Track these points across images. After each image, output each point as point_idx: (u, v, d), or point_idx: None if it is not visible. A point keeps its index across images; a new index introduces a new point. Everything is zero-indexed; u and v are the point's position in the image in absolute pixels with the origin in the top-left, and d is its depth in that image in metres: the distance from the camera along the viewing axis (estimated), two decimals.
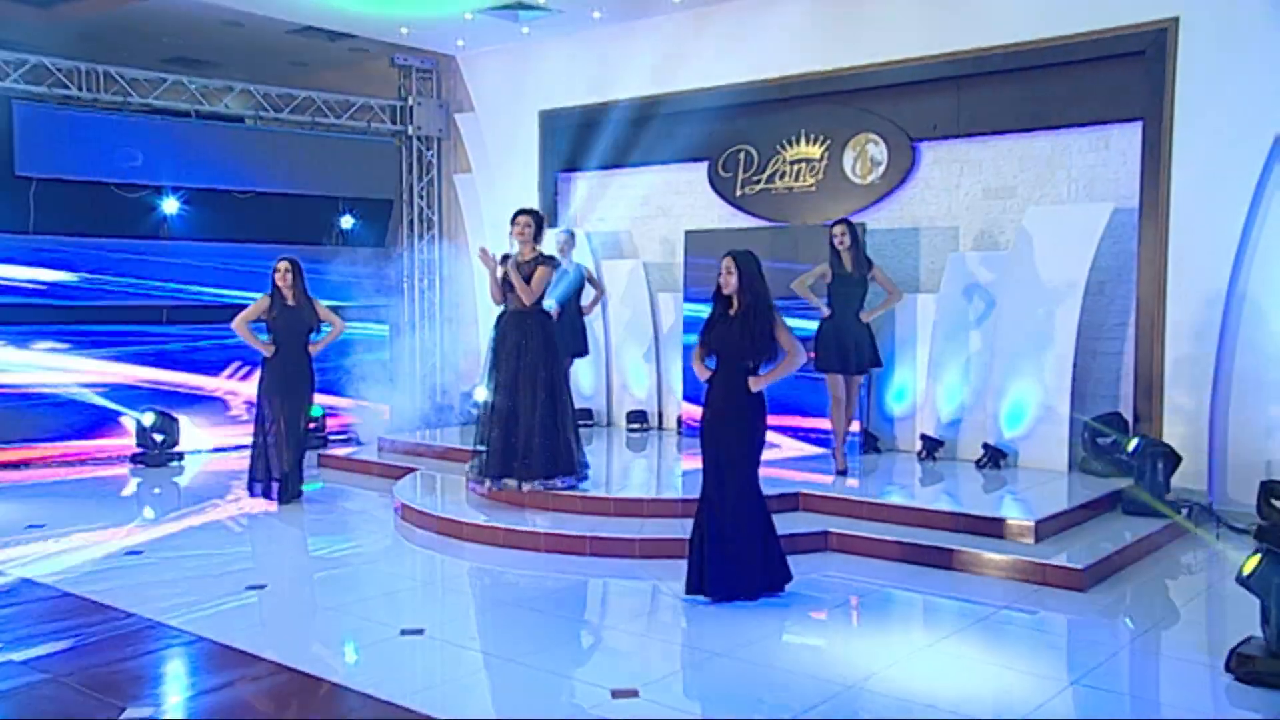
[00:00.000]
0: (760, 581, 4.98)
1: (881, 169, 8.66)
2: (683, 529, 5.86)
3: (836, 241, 7.28)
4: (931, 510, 6.27)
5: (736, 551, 4.89)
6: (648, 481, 7.76)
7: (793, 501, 6.56)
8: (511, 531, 6.25)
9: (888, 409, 8.36)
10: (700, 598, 5.03)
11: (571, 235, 9.14)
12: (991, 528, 6.00)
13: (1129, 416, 7.46)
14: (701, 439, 5.09)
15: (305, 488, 7.67)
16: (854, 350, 7.23)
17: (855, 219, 8.29)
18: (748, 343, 4.85)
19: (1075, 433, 7.43)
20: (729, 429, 4.95)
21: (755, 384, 4.89)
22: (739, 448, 4.91)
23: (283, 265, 7.29)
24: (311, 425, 8.29)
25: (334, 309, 7.81)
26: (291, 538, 6.81)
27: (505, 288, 6.65)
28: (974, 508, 6.31)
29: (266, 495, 7.46)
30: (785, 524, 5.86)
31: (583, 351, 8.87)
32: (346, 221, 11.07)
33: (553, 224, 9.58)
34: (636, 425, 9.66)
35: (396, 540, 6.69)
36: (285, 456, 7.34)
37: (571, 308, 8.64)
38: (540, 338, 6.66)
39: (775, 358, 4.94)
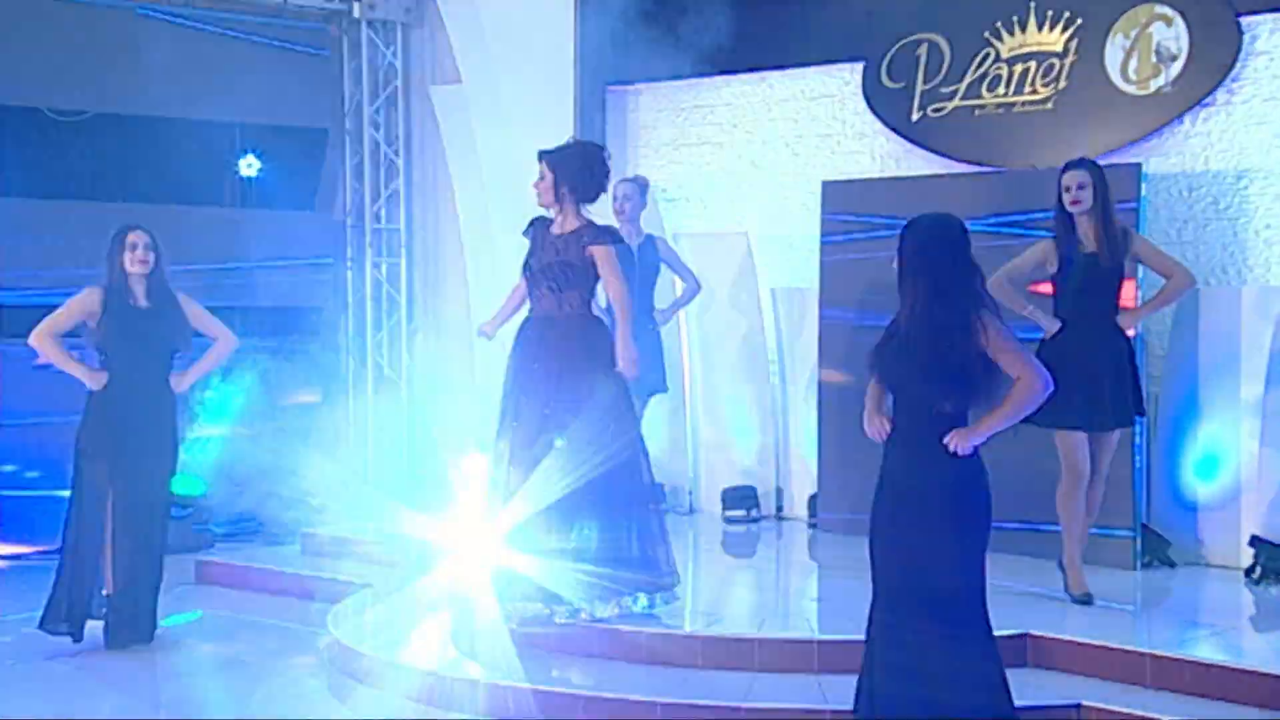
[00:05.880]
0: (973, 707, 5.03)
1: (1177, 67, 8.42)
2: (819, 692, 6.03)
3: (1069, 200, 7.18)
4: None
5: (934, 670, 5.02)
6: (759, 608, 7.80)
7: (1017, 649, 6.45)
8: (530, 693, 6.24)
9: (1185, 490, 8.10)
10: None
11: (641, 187, 9.18)
12: None
13: None
14: (871, 537, 5.16)
15: (166, 622, 7.62)
16: (1108, 388, 7.12)
17: (1127, 157, 8.09)
18: (927, 369, 4.93)
19: None
20: (914, 521, 4.97)
21: (961, 439, 4.89)
22: (931, 553, 4.96)
23: (136, 238, 7.28)
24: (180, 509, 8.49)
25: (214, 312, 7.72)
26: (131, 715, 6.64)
27: (538, 278, 6.88)
28: None
29: (75, 635, 7.33)
30: None
31: (660, 386, 9.06)
32: (249, 166, 10.95)
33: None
34: (740, 511, 9.69)
35: (330, 710, 6.65)
36: (119, 570, 7.24)
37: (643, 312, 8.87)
38: (589, 361, 6.82)
39: (986, 391, 4.96)
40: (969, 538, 5.00)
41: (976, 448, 4.95)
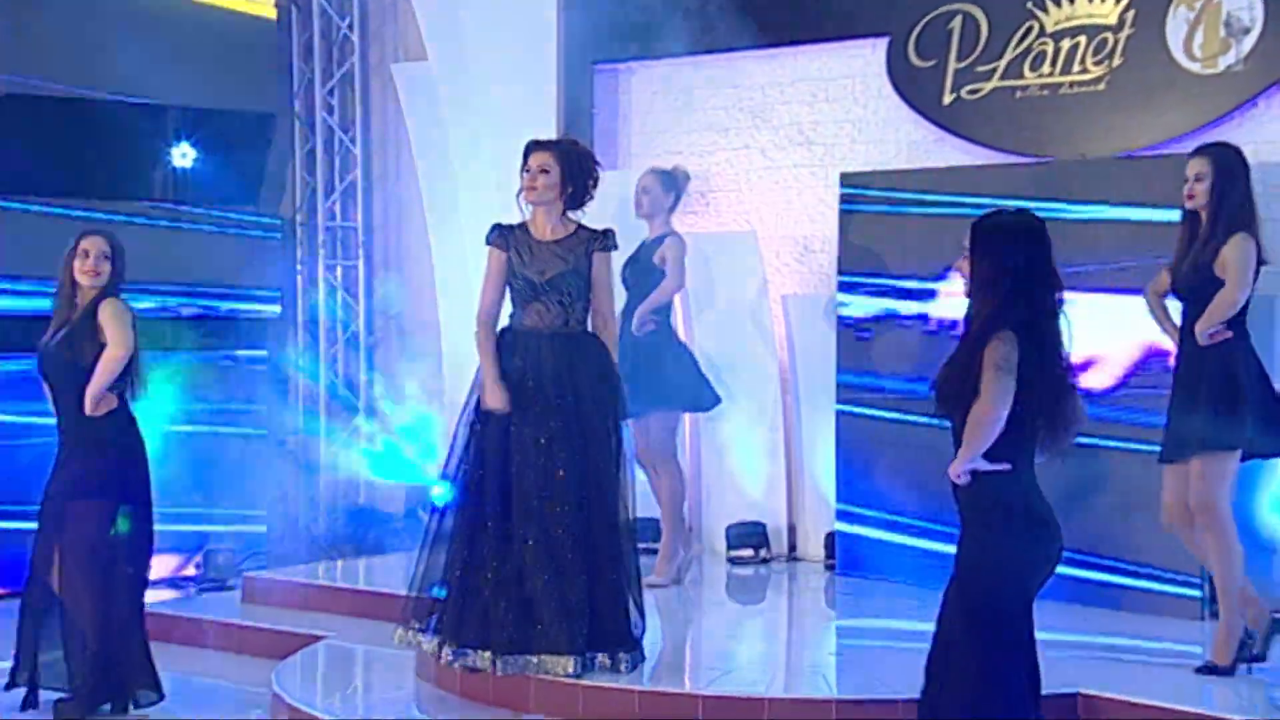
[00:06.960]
0: None
1: (1250, 42, 8.42)
2: None
3: (1185, 193, 7.02)
4: None
5: None
6: (769, 662, 7.92)
7: (1067, 709, 6.42)
8: None
9: (1260, 528, 8.00)
10: None
11: (661, 178, 9.11)
12: None
13: None
14: None
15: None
16: (1173, 412, 7.04)
17: (1191, 146, 7.83)
18: (952, 384, 5.06)
19: None
20: (957, 557, 5.19)
21: (955, 468, 5.03)
22: (955, 596, 5.12)
23: (90, 245, 7.20)
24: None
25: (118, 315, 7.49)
26: None
27: (546, 291, 6.89)
28: None
29: (28, 702, 7.21)
30: None
31: (709, 401, 9.11)
32: (183, 156, 10.82)
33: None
34: (747, 551, 9.67)
35: None
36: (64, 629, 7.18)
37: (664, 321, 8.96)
38: (585, 382, 6.87)
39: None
40: (973, 582, 5.02)
41: (1006, 487, 4.93)
